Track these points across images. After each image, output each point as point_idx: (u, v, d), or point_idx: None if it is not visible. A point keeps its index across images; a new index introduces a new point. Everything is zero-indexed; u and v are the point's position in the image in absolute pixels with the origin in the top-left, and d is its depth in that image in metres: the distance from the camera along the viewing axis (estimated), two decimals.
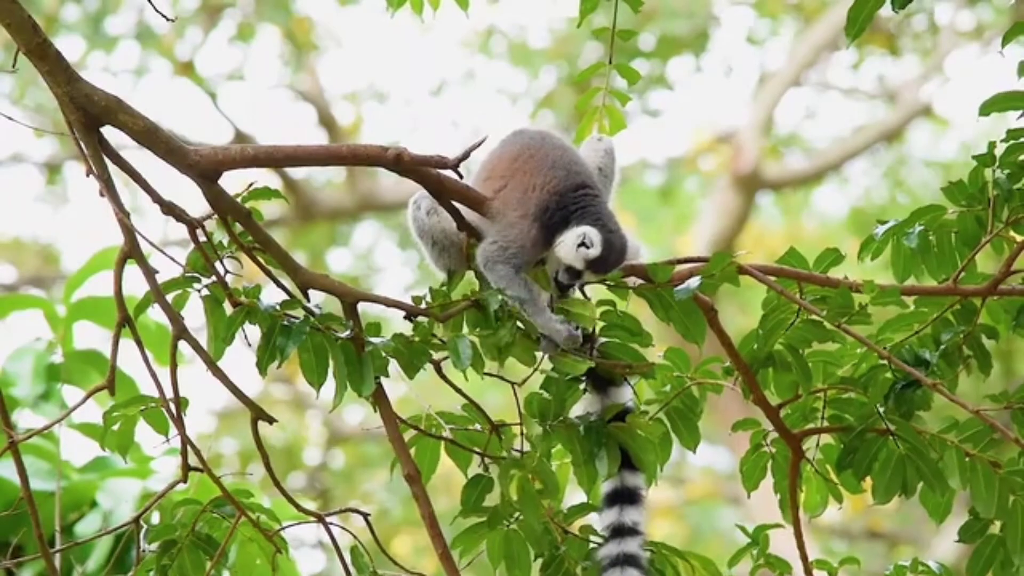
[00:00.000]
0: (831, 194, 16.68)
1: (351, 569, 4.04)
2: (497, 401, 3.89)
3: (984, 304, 4.07)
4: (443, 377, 3.97)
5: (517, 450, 3.97)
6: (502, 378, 3.94)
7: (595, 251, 3.87)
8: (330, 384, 3.86)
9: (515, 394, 3.96)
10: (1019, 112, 3.97)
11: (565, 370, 3.92)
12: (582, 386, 4.00)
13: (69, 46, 13.59)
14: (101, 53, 13.89)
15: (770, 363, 4.01)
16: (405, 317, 3.93)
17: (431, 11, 4.42)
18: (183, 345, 3.91)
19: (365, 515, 4.10)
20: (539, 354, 3.92)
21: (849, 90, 15.96)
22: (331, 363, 3.85)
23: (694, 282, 3.91)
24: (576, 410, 3.99)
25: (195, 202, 3.94)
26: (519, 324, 3.90)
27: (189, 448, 3.97)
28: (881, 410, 4.01)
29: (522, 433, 3.97)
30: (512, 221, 3.93)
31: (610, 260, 3.89)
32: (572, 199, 3.93)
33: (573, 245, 3.87)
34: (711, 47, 14.85)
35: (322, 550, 13.37)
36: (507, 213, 3.94)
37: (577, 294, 4.00)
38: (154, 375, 3.96)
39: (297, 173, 14.92)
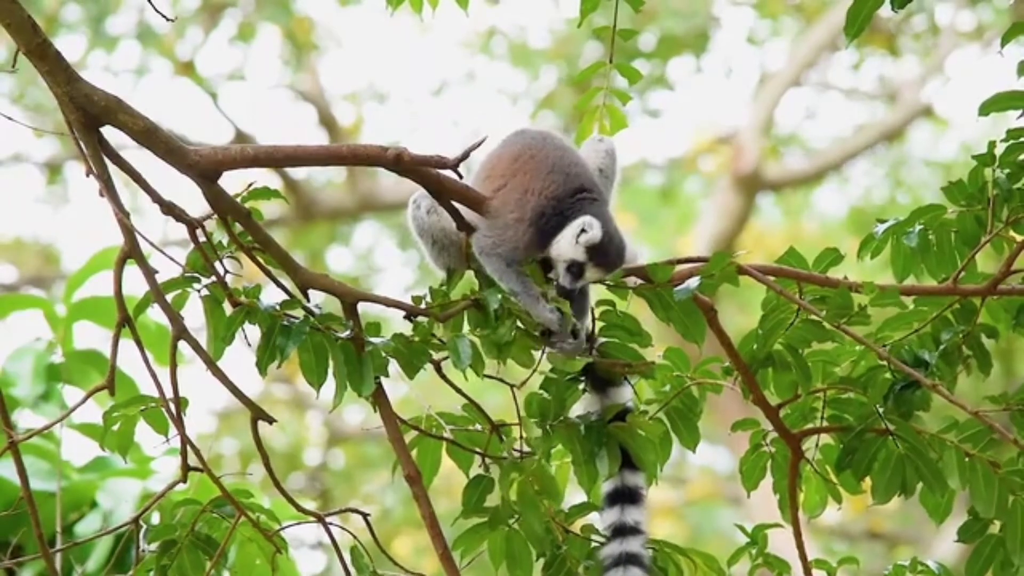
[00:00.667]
0: (831, 194, 16.68)
1: (351, 569, 4.04)
2: (497, 401, 3.90)
3: (984, 304, 4.07)
4: (443, 377, 3.97)
5: (517, 450, 3.97)
6: (501, 380, 3.94)
7: (595, 234, 3.85)
8: (330, 384, 3.86)
9: (514, 397, 3.96)
10: (1019, 112, 3.97)
11: (563, 368, 3.92)
12: (581, 386, 4.00)
13: (69, 46, 13.60)
14: (102, 53, 13.90)
15: (770, 363, 4.01)
16: (405, 317, 3.93)
17: (430, 10, 4.41)
18: (183, 345, 3.91)
19: (365, 515, 4.10)
20: (537, 354, 3.91)
21: (849, 90, 15.96)
22: (331, 363, 3.85)
23: (694, 282, 3.91)
24: (576, 410, 3.99)
25: (195, 202, 3.94)
26: (518, 323, 3.90)
27: (189, 448, 3.97)
28: (880, 410, 4.01)
29: (521, 436, 3.97)
30: (508, 222, 3.93)
31: (611, 251, 3.88)
32: (569, 204, 3.93)
33: (572, 237, 3.87)
34: (711, 47, 14.85)
35: (322, 550, 13.37)
36: (504, 213, 3.94)
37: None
38: (154, 375, 3.96)
39: (297, 173, 14.93)
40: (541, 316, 3.87)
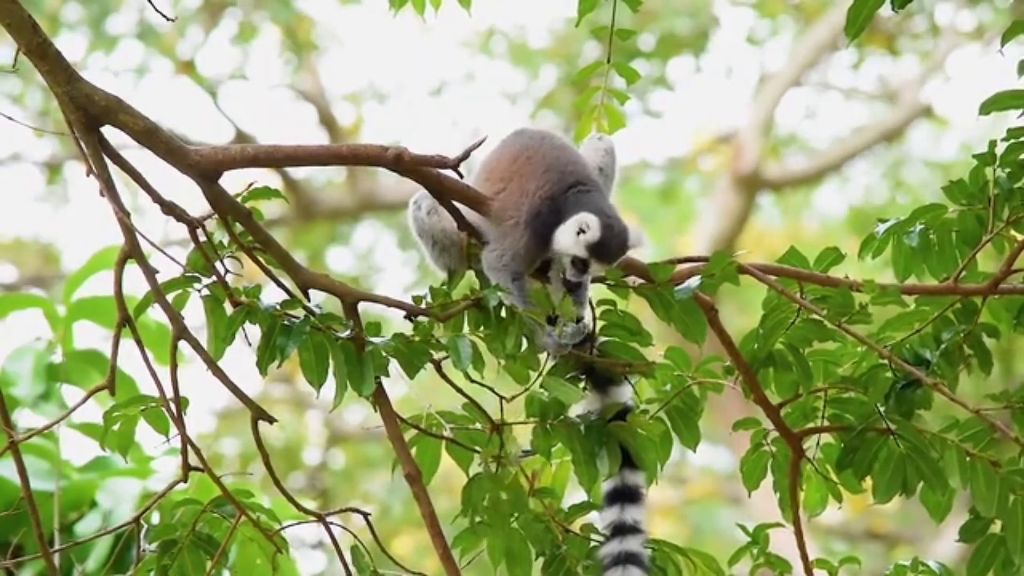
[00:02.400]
0: (831, 194, 16.68)
1: (352, 569, 4.04)
2: (498, 400, 3.92)
3: (985, 303, 4.07)
4: (443, 377, 3.97)
5: (496, 459, 3.97)
6: (492, 390, 3.94)
7: (594, 234, 3.85)
8: (330, 384, 3.85)
9: (501, 409, 3.96)
10: (1019, 111, 3.97)
11: (561, 399, 3.92)
12: (581, 385, 4.00)
13: (70, 46, 13.59)
14: (102, 53, 13.90)
15: (770, 362, 4.01)
16: (405, 317, 3.93)
17: (433, 11, 4.42)
18: (183, 345, 3.91)
19: (366, 515, 4.10)
20: (532, 373, 3.92)
21: (849, 90, 15.96)
22: (331, 363, 3.85)
23: (694, 282, 3.91)
24: (576, 409, 3.99)
25: (195, 202, 3.94)
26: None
27: (189, 448, 3.97)
28: (881, 409, 4.01)
29: (501, 446, 3.96)
30: (506, 229, 3.94)
31: (612, 244, 3.88)
32: (563, 200, 3.93)
33: (572, 233, 3.86)
34: (711, 47, 14.86)
35: (322, 550, 13.37)
36: (504, 219, 3.94)
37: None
38: (154, 375, 3.95)
39: (298, 173, 14.93)
40: (539, 339, 3.88)
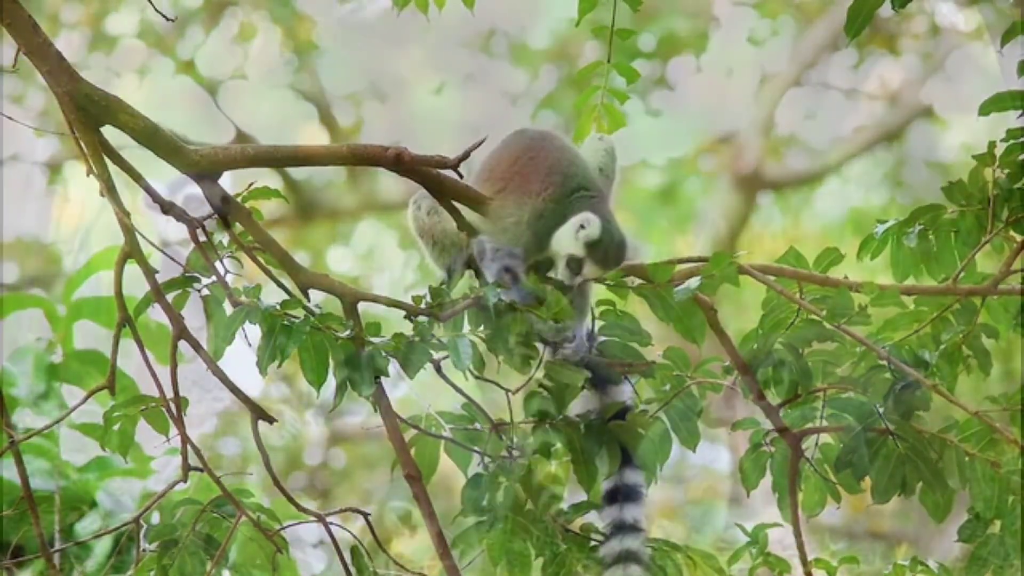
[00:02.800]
0: (831, 195, 16.66)
1: (351, 569, 4.04)
2: (498, 400, 3.92)
3: (984, 303, 4.07)
4: (443, 377, 3.97)
5: (507, 456, 3.97)
6: (498, 384, 3.94)
7: (594, 231, 3.86)
8: (330, 384, 3.86)
9: (508, 402, 3.96)
10: (1019, 111, 3.97)
11: (561, 380, 3.92)
12: (580, 384, 4.00)
13: (70, 46, 13.58)
14: (102, 54, 13.90)
15: (770, 362, 4.01)
16: (405, 317, 3.93)
17: (436, 9, 4.43)
18: (183, 345, 3.91)
19: (365, 515, 4.10)
20: (533, 362, 3.92)
21: (849, 90, 15.95)
22: (331, 363, 3.85)
23: (694, 282, 3.92)
24: (575, 408, 4.00)
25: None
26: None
27: (189, 448, 3.97)
28: (880, 410, 4.02)
29: (511, 442, 3.96)
30: (506, 226, 3.94)
31: (609, 249, 3.89)
32: (567, 203, 3.93)
33: (572, 231, 3.88)
34: (711, 47, 14.85)
35: (322, 550, 13.36)
36: (504, 216, 3.95)
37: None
38: (154, 375, 3.96)
39: (298, 173, 14.92)
40: (535, 326, 3.88)
